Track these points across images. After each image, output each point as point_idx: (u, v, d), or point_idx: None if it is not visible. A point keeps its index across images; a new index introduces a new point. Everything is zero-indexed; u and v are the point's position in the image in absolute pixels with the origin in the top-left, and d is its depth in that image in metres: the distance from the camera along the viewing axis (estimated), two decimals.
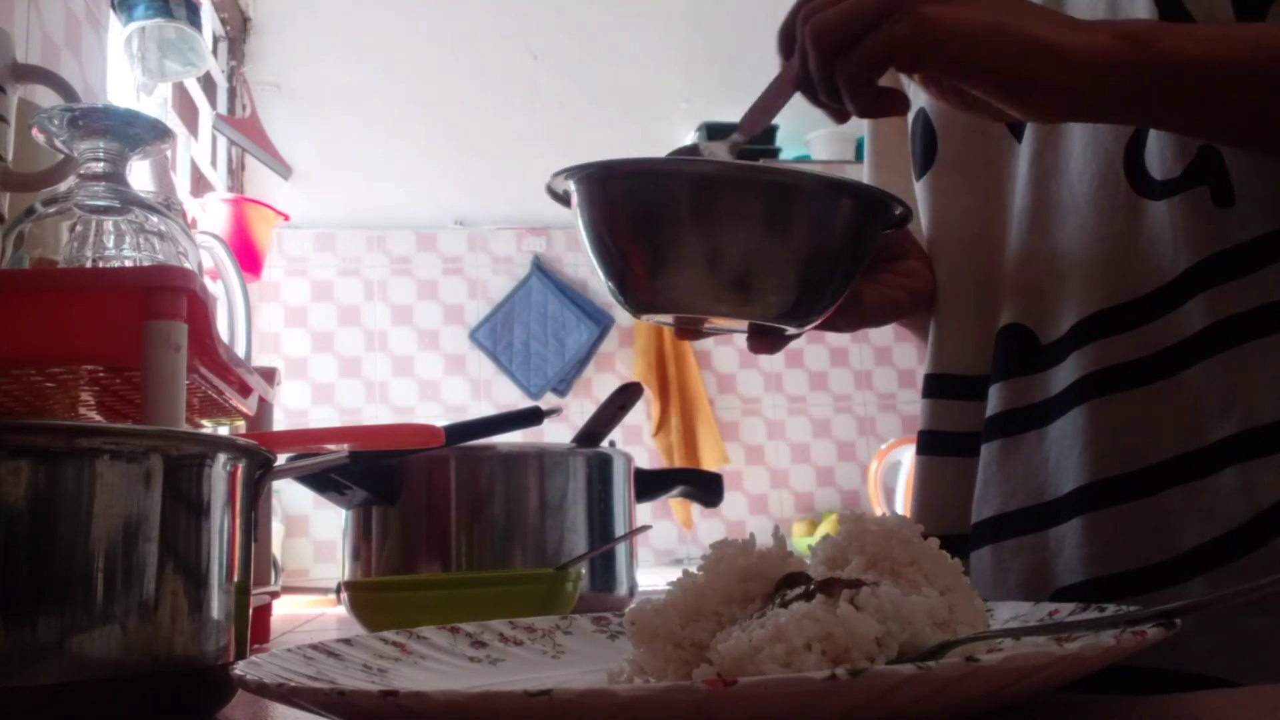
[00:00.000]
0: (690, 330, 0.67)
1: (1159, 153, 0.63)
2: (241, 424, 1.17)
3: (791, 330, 0.65)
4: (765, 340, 0.66)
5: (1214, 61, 0.53)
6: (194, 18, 1.81)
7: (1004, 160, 0.73)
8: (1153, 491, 0.62)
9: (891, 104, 0.60)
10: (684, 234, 0.58)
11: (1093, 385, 0.65)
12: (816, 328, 0.68)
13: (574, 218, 0.62)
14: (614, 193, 0.61)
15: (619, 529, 1.13)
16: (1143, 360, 0.63)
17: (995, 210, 0.73)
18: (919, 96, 0.80)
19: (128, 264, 0.83)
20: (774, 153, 3.27)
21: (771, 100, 0.64)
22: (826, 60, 0.57)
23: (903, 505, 2.94)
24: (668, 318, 0.64)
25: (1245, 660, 0.57)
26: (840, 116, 0.60)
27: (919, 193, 0.79)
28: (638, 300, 0.62)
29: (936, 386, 0.77)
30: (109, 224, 0.84)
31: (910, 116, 0.81)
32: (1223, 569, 0.59)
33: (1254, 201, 0.60)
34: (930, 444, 0.77)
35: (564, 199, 0.64)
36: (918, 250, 0.79)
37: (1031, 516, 0.68)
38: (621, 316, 3.43)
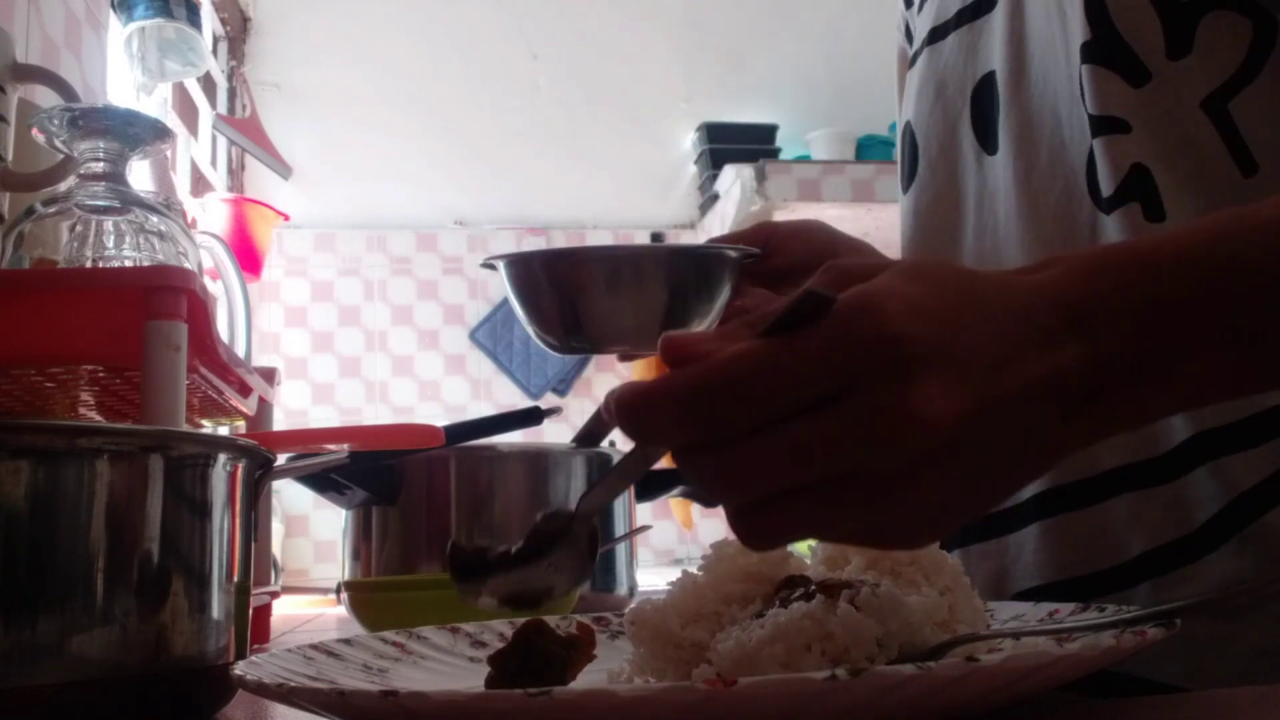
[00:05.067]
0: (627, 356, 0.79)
1: (1101, 168, 0.63)
2: (241, 424, 1.17)
3: None
4: None
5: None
6: (194, 18, 1.81)
7: (976, 173, 0.73)
8: (1103, 498, 0.62)
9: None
10: (580, 296, 0.79)
11: None
12: None
13: (504, 286, 0.83)
14: (533, 270, 0.81)
15: (619, 529, 1.13)
16: None
17: (967, 224, 0.74)
18: (905, 109, 0.80)
19: (128, 264, 0.83)
20: (774, 152, 3.27)
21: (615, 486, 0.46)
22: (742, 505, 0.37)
23: None
24: (585, 356, 0.78)
25: (1193, 666, 0.57)
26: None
27: (903, 207, 0.80)
28: (558, 346, 0.82)
29: None
30: (109, 224, 0.84)
31: (900, 129, 0.81)
32: (1168, 576, 0.59)
33: (1183, 217, 0.60)
34: None
35: (494, 268, 0.83)
36: (851, 252, 0.84)
37: (994, 523, 0.68)
38: None
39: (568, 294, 0.80)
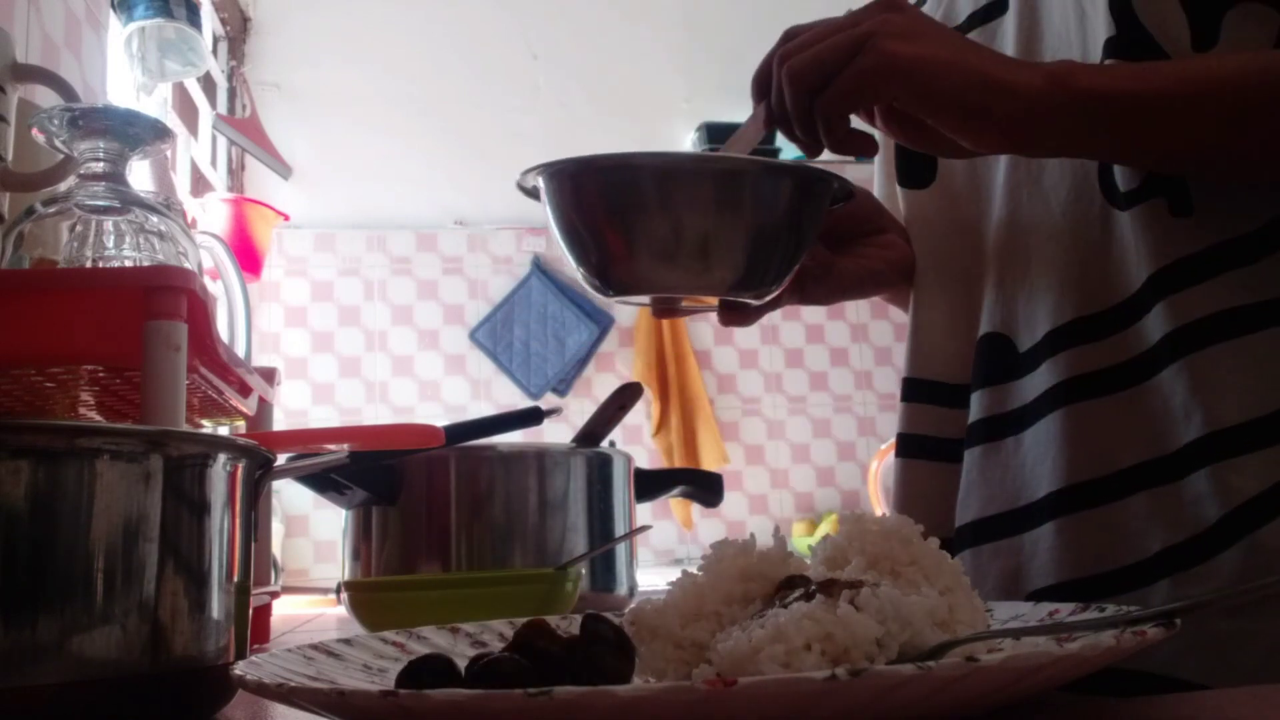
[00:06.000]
0: (667, 310, 0.70)
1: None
2: (241, 424, 1.17)
3: (754, 303, 0.68)
4: (736, 314, 0.70)
5: (1126, 95, 0.58)
6: (194, 18, 1.81)
7: (990, 173, 0.74)
8: (1121, 496, 0.63)
9: (862, 144, 0.65)
10: (647, 218, 0.64)
11: (1065, 392, 0.66)
12: (798, 301, 0.73)
13: (545, 211, 0.67)
14: (583, 185, 0.66)
15: (619, 529, 1.13)
16: (1112, 368, 0.64)
17: (980, 222, 0.74)
18: None
19: (128, 264, 0.83)
20: (774, 153, 3.27)
21: (745, 140, 0.67)
22: (803, 99, 0.61)
23: None
24: (643, 298, 0.68)
25: (1213, 663, 0.57)
26: (812, 150, 0.64)
27: (908, 202, 0.80)
28: (613, 283, 0.66)
29: (918, 391, 0.78)
30: (109, 224, 0.84)
31: None
32: (1189, 572, 0.60)
33: (1210, 211, 0.61)
34: (910, 447, 0.78)
35: (533, 194, 0.67)
36: (895, 225, 0.81)
37: (1007, 521, 0.69)
38: (621, 316, 3.43)
39: (626, 217, 0.63)
